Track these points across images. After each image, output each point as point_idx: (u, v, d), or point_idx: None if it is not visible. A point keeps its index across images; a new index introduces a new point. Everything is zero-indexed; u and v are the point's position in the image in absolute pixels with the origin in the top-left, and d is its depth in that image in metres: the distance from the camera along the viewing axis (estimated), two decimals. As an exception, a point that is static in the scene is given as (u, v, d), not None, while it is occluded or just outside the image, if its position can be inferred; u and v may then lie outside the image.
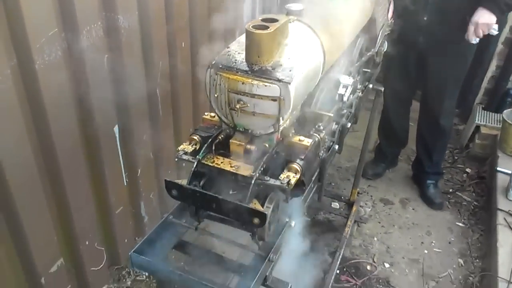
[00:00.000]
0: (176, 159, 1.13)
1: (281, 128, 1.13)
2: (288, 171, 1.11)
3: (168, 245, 1.30)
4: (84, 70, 1.82)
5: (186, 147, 1.16)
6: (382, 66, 3.01)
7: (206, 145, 1.14)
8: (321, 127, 1.27)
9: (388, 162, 3.42)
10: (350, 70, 1.61)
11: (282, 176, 1.08)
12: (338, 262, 2.52)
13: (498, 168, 2.99)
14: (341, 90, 1.41)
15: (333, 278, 2.41)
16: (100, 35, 1.84)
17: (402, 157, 3.57)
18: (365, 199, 3.18)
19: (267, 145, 1.14)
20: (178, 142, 2.62)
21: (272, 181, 1.08)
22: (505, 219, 2.65)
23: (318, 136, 1.24)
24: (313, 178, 1.46)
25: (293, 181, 1.08)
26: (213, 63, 1.09)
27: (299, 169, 1.11)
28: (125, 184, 2.34)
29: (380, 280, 2.59)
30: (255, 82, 1.05)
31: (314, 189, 1.57)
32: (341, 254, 2.53)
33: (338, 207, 3.08)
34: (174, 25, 2.25)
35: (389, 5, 2.11)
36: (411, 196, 3.23)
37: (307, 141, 1.16)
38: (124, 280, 2.48)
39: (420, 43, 2.59)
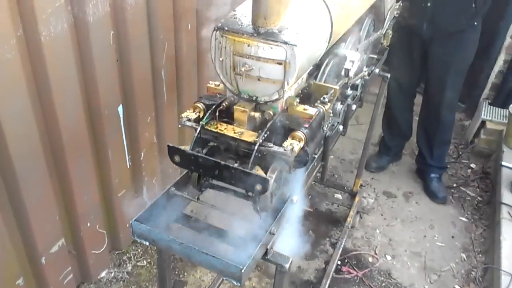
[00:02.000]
0: (180, 126, 1.11)
1: (286, 96, 1.12)
2: (292, 139, 1.09)
3: (170, 217, 1.28)
4: (89, 45, 1.81)
5: (190, 114, 1.14)
6: (387, 55, 3.01)
7: (210, 111, 1.12)
8: (326, 100, 1.25)
9: (392, 155, 3.39)
10: (357, 47, 1.59)
11: (285, 143, 1.07)
12: (339, 253, 2.50)
13: (503, 163, 2.95)
14: (348, 65, 1.39)
15: (333, 268, 2.39)
16: (106, 10, 1.83)
17: (406, 151, 3.54)
18: (368, 191, 3.16)
19: (271, 112, 1.12)
20: (181, 127, 2.61)
21: (275, 148, 1.06)
22: (509, 213, 2.62)
23: (323, 108, 1.22)
24: (315, 156, 1.45)
25: (296, 148, 1.06)
26: (219, 25, 1.08)
27: (303, 137, 1.09)
28: (128, 167, 2.33)
29: (382, 272, 2.56)
30: (261, 44, 1.04)
31: (318, 168, 1.55)
32: (343, 244, 2.50)
33: (341, 198, 3.06)
34: (180, 6, 2.24)
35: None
36: (415, 190, 3.20)
37: (311, 110, 1.14)
38: (124, 265, 2.47)
39: (423, 30, 2.57)
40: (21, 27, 1.53)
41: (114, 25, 1.92)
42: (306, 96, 1.30)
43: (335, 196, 3.07)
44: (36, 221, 1.80)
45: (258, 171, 1.04)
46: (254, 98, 1.13)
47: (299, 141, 1.09)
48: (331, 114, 1.36)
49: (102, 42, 1.86)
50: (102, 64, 1.89)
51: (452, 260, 2.66)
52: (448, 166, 3.30)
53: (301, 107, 1.15)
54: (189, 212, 1.37)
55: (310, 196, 3.07)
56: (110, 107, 2.02)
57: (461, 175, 3.37)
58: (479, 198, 3.14)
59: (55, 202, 1.89)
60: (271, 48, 1.03)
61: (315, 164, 1.49)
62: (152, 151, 2.44)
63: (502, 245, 2.43)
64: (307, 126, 1.11)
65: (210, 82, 1.24)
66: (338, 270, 2.52)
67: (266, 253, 1.21)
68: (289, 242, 1.37)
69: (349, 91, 1.77)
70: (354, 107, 1.83)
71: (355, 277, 2.50)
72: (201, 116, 1.16)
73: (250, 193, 1.15)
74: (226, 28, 1.07)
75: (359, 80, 1.85)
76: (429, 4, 2.44)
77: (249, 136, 1.09)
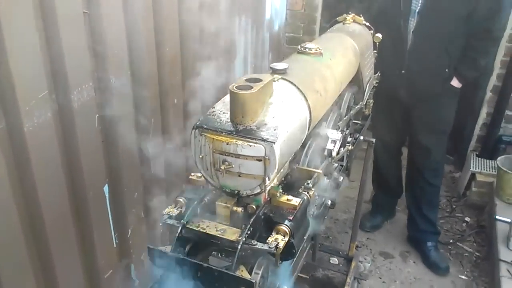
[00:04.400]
0: (161, 224, 1.09)
1: (268, 188, 1.10)
2: (277, 233, 1.07)
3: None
4: (74, 130, 1.81)
5: (171, 210, 1.12)
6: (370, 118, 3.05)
7: (191, 208, 1.10)
8: (310, 185, 1.24)
9: (385, 213, 3.35)
10: (338, 124, 1.61)
11: (270, 239, 1.04)
12: (339, 323, 2.40)
13: (497, 217, 2.92)
14: (330, 146, 1.40)
15: None
16: (91, 95, 1.85)
17: (400, 207, 3.51)
18: (364, 253, 3.09)
19: (254, 206, 1.10)
20: (170, 199, 2.58)
21: (259, 245, 1.03)
22: (508, 270, 2.55)
23: (307, 195, 1.20)
24: (305, 238, 1.41)
25: (281, 244, 1.03)
26: (197, 123, 1.09)
27: (287, 231, 1.06)
28: (115, 245, 2.26)
29: None
30: (240, 142, 1.04)
31: (308, 248, 1.51)
32: (342, 314, 2.41)
33: (337, 262, 2.97)
34: (166, 83, 2.28)
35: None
36: (411, 248, 3.13)
37: (295, 201, 1.13)
38: None
39: (402, 96, 2.63)
40: (4, 120, 1.53)
41: (99, 108, 1.94)
42: (290, 182, 1.29)
43: (331, 261, 2.99)
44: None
45: (243, 271, 1.01)
46: (236, 192, 1.12)
47: (284, 235, 1.06)
48: (317, 196, 1.34)
49: (87, 126, 1.86)
50: (87, 147, 1.88)
51: (456, 324, 2.56)
52: (440, 230, 3.19)
53: (284, 198, 1.14)
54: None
55: (305, 263, 2.98)
56: (95, 187, 1.99)
57: (456, 230, 3.33)
58: (477, 253, 3.08)
59: (38, 293, 1.81)
60: (250, 145, 1.04)
61: (305, 246, 1.45)
62: (140, 227, 2.38)
63: (505, 306, 2.36)
64: (291, 218, 1.09)
65: (192, 173, 1.23)
66: None
67: None
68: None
69: (335, 165, 1.77)
70: (341, 179, 1.83)
71: None
72: (183, 211, 1.14)
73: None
74: (205, 127, 1.07)
75: (343, 150, 1.85)
76: (403, 71, 2.51)
77: (232, 233, 1.06)
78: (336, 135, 1.43)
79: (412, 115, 2.71)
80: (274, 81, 1.20)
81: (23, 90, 1.54)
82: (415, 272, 2.93)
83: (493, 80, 3.48)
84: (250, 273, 1.05)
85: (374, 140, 2.34)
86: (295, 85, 1.23)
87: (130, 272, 2.40)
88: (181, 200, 1.15)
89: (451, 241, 3.19)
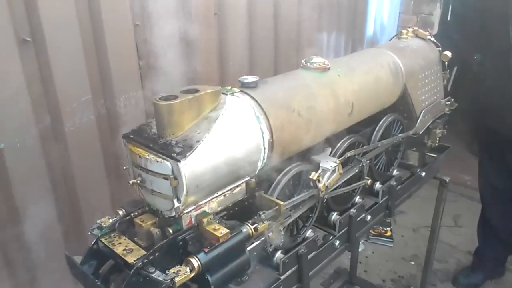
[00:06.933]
0: (89, 233, 1.05)
1: (185, 211, 0.96)
2: (186, 265, 0.92)
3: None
4: (119, 135, 1.92)
5: (105, 220, 1.07)
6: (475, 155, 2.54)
7: (112, 222, 1.04)
8: (262, 216, 1.04)
9: (489, 270, 2.71)
10: (350, 153, 1.33)
11: (171, 270, 0.90)
12: None
13: None
14: (313, 175, 1.16)
15: None
16: (140, 103, 1.94)
17: (513, 267, 2.80)
18: (449, 314, 2.54)
19: (171, 230, 0.98)
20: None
21: (156, 275, 0.90)
22: None
23: (250, 227, 1.01)
24: (280, 277, 1.20)
25: (180, 278, 0.88)
26: (127, 132, 1.03)
27: (195, 265, 0.91)
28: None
29: None
30: (150, 156, 0.94)
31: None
32: None
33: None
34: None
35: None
36: (517, 322, 2.46)
37: (221, 231, 0.96)
38: None
39: None
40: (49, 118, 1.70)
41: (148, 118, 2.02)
42: (249, 210, 1.11)
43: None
44: None
45: (133, 301, 0.90)
46: (160, 211, 1.01)
47: (191, 270, 0.91)
48: (282, 232, 1.13)
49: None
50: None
51: None
52: None
53: (212, 226, 0.98)
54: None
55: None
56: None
57: None
58: None
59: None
60: (157, 161, 0.93)
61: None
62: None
63: None
64: (207, 250, 0.93)
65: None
66: None
67: None
68: None
69: (358, 199, 1.50)
70: (368, 218, 1.53)
71: None
72: (117, 223, 1.08)
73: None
74: (131, 136, 1.01)
75: (380, 186, 1.56)
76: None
77: (135, 256, 0.96)
78: (329, 163, 1.19)
79: None
80: (225, 93, 1.05)
81: (65, 92, 1.71)
82: None
83: None
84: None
85: (447, 179, 1.92)
86: (255, 100, 1.07)
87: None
88: (120, 212, 1.09)
89: None
